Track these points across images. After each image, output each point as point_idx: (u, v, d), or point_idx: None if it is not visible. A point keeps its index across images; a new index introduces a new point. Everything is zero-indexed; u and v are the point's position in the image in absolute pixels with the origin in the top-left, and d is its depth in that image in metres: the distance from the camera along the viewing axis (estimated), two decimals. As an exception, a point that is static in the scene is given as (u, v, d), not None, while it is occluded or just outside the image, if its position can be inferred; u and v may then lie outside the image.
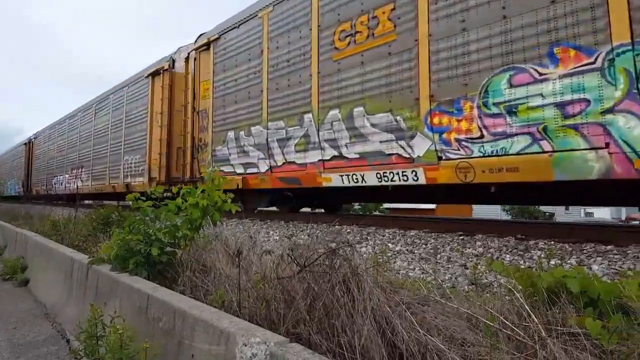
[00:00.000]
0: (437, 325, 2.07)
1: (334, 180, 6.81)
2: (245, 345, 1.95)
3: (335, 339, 2.13)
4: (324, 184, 6.97)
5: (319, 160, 7.11)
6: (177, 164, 11.92)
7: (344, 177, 6.64)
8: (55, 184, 22.52)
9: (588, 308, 1.92)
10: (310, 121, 7.23)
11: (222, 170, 9.12)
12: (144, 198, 4.00)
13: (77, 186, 18.22)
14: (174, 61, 12.44)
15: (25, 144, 29.19)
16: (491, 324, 1.86)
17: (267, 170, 8.16)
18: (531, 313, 1.81)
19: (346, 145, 6.63)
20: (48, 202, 23.21)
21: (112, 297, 3.51)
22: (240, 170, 8.94)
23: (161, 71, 12.61)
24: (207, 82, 10.27)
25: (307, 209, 11.08)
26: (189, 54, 11.36)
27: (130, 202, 3.98)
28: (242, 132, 8.89)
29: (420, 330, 1.94)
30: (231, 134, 9.22)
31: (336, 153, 6.80)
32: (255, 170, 8.54)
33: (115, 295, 3.49)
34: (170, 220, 3.78)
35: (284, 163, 7.79)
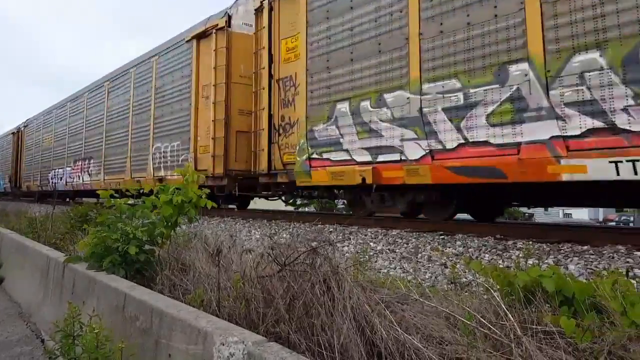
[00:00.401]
0: (416, 323, 2.08)
1: (594, 169, 4.09)
2: (223, 345, 1.92)
3: (315, 338, 2.13)
4: (565, 177, 4.28)
5: (554, 137, 4.37)
6: (237, 152, 9.20)
7: (622, 165, 3.92)
8: (52, 178, 19.47)
9: (563, 307, 1.95)
10: (526, 75, 4.57)
11: (328, 159, 6.67)
12: (117, 195, 3.93)
13: (82, 181, 15.58)
14: (229, 17, 9.39)
15: (13, 133, 26.08)
16: (469, 322, 1.88)
17: (423, 157, 5.47)
18: (507, 312, 1.83)
19: (625, 110, 3.93)
20: (42, 200, 20.26)
21: (89, 296, 3.44)
22: (363, 157, 6.21)
23: (213, 31, 9.52)
24: (292, 40, 7.69)
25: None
26: (261, 3, 8.45)
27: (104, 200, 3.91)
28: (365, 103, 6.21)
29: (399, 329, 1.94)
30: (343, 106, 6.51)
31: (598, 124, 4.09)
32: (395, 156, 5.79)
33: (92, 294, 3.41)
34: (147, 217, 3.71)
35: (461, 144, 5.09)
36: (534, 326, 1.80)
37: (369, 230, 5.71)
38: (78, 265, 3.88)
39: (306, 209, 14.21)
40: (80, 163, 16.55)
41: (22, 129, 24.67)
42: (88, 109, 16.31)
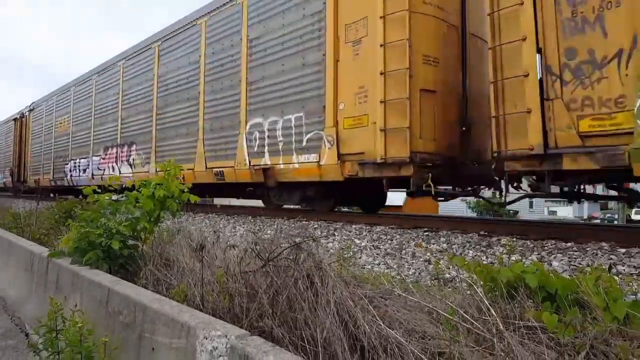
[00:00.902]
0: (399, 318, 2.09)
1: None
2: (206, 339, 1.91)
3: (298, 332, 2.12)
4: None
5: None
6: (423, 123, 5.63)
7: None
8: (71, 171, 15.65)
9: (546, 303, 1.97)
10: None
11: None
12: (99, 191, 3.88)
13: (120, 172, 11.93)
14: None
15: (15, 119, 22.59)
16: (451, 317, 1.88)
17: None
18: (490, 307, 1.84)
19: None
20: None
21: (72, 291, 3.40)
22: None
23: None
24: None
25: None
26: None
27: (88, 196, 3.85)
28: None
29: (382, 324, 1.94)
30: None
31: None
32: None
33: (75, 289, 3.37)
34: (130, 212, 3.67)
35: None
36: (517, 321, 1.81)
37: (353, 226, 5.72)
38: (62, 260, 3.83)
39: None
40: (114, 150, 12.92)
41: (27, 113, 21.17)
42: (126, 81, 12.57)
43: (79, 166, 15.08)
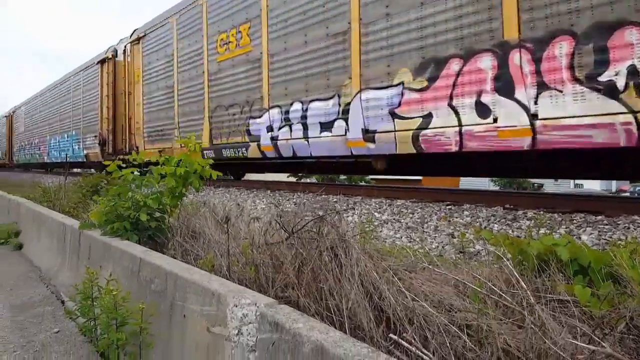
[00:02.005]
0: (424, 291, 2.08)
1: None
2: (236, 306, 1.95)
3: (323, 303, 2.15)
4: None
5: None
6: None
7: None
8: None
9: (578, 276, 1.92)
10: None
11: None
12: (123, 165, 3.95)
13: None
14: None
15: (102, 61, 14.32)
16: (479, 289, 1.86)
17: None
18: (520, 279, 1.81)
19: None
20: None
21: (104, 261, 3.52)
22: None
23: None
24: None
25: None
26: None
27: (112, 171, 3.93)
28: None
29: (407, 296, 1.94)
30: None
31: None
32: None
33: (107, 259, 3.50)
34: (152, 186, 3.74)
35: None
36: (547, 295, 1.78)
37: (373, 200, 5.69)
38: (93, 231, 3.96)
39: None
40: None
41: (128, 46, 12.86)
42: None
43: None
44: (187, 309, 2.33)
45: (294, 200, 6.31)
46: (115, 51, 14.06)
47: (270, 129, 7.58)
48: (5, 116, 30.42)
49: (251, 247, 2.71)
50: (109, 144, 13.90)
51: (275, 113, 7.49)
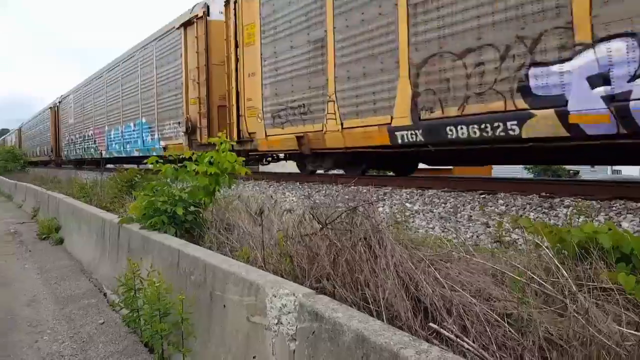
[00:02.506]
0: (462, 281, 2.08)
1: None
2: (275, 297, 2.01)
3: (359, 293, 2.17)
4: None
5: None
6: None
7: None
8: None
9: (620, 263, 1.88)
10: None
11: None
12: (162, 161, 4.07)
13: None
14: None
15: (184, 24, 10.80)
16: (519, 278, 1.85)
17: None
18: (561, 267, 1.79)
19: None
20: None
21: (144, 254, 3.65)
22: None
23: None
24: None
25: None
26: None
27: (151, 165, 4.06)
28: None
29: (445, 285, 1.95)
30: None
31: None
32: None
33: (147, 252, 3.62)
34: (189, 181, 3.85)
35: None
36: (589, 283, 1.75)
37: (403, 190, 5.64)
38: (132, 225, 4.10)
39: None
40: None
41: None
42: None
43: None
44: (226, 299, 2.41)
45: (323, 192, 6.33)
46: (207, 7, 10.32)
47: (603, 80, 3.92)
48: (50, 107, 26.65)
49: (285, 239, 2.76)
50: (201, 131, 10.40)
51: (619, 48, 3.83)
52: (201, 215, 3.86)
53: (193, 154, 4.02)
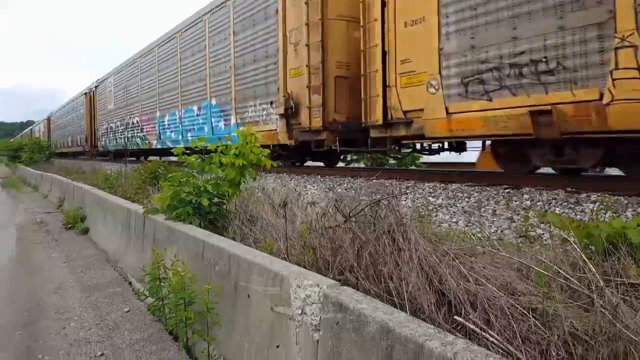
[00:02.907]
0: (486, 275, 2.07)
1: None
2: (299, 287, 2.04)
3: (382, 286, 2.19)
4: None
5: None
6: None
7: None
8: None
9: (649, 259, 1.85)
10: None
11: None
12: (188, 152, 4.13)
13: None
14: None
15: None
16: (545, 273, 1.84)
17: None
18: (588, 262, 1.77)
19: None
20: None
21: (169, 244, 3.74)
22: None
23: None
24: None
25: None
26: None
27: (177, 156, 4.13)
28: None
29: (470, 279, 1.95)
30: None
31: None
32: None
33: (172, 242, 3.71)
34: (214, 173, 3.91)
35: None
36: (617, 278, 1.73)
37: (426, 184, 5.62)
38: (157, 216, 4.20)
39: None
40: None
41: None
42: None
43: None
44: (250, 290, 2.46)
45: (345, 185, 6.35)
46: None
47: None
48: (85, 93, 24.56)
49: (309, 231, 2.79)
50: (311, 111, 7.92)
51: None
52: (225, 206, 3.92)
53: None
